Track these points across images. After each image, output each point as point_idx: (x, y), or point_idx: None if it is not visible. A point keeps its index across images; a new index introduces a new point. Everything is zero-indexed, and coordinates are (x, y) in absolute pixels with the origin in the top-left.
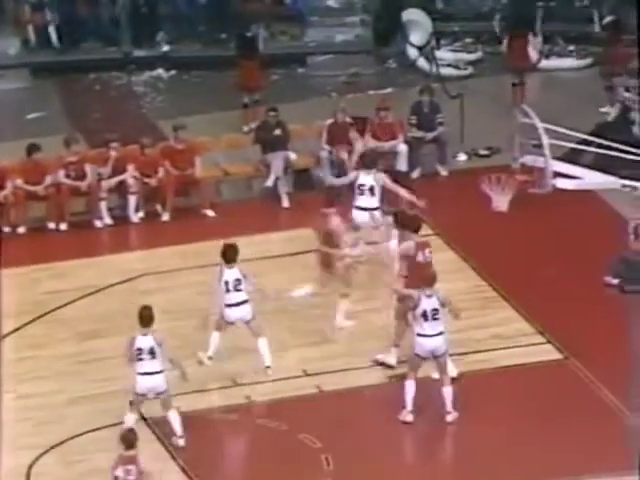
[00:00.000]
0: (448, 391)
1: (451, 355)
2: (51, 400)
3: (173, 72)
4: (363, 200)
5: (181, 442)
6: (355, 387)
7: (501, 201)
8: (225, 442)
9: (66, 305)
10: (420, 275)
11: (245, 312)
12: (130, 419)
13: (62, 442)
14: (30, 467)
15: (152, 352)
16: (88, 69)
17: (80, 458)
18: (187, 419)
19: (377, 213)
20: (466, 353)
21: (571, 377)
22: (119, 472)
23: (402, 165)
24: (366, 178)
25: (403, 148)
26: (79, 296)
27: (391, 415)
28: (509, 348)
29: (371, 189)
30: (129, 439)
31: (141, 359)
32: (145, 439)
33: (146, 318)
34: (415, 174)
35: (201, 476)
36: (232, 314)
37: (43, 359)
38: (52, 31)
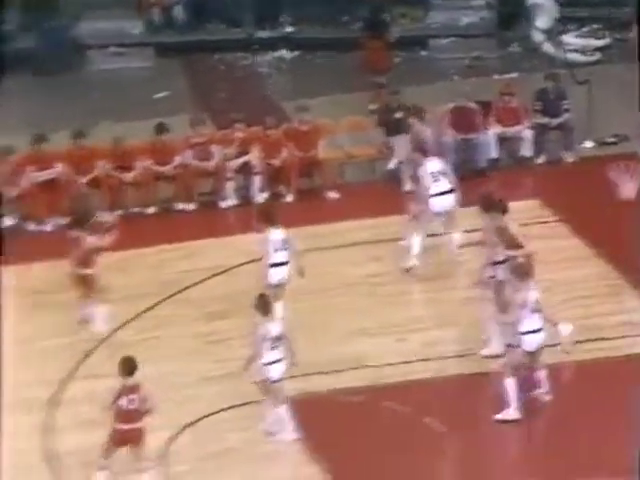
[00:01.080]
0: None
1: (577, 342)
2: (182, 380)
3: (296, 53)
4: (440, 185)
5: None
6: (478, 372)
7: (628, 189)
8: (350, 423)
9: (194, 285)
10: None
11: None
12: (269, 405)
13: (196, 421)
14: (167, 446)
15: (279, 339)
16: (212, 49)
17: (214, 437)
18: (314, 399)
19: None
20: (594, 340)
21: None
22: (123, 402)
23: (527, 151)
24: (434, 164)
25: (528, 134)
26: (206, 276)
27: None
28: (637, 336)
29: (443, 173)
30: (129, 366)
31: (275, 347)
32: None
33: (266, 305)
34: (539, 160)
35: (328, 455)
36: None
37: (172, 339)
38: (178, 12)
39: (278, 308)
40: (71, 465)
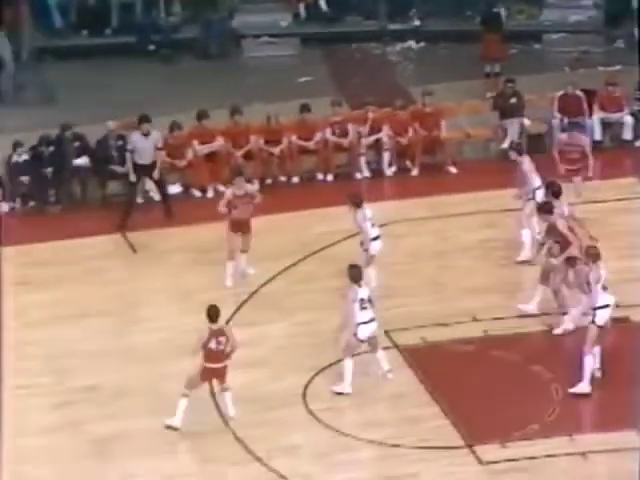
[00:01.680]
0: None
1: None
2: (318, 328)
3: (422, 44)
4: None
5: (390, 375)
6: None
7: None
8: (463, 370)
9: (331, 245)
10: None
11: None
12: (349, 365)
13: (330, 365)
14: (305, 387)
15: (370, 301)
16: (350, 40)
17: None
18: (433, 348)
19: None
20: None
21: None
22: (212, 344)
23: (627, 134)
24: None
25: (628, 119)
26: (342, 238)
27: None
28: None
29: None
30: (213, 313)
31: (364, 308)
32: (399, 365)
33: (356, 275)
34: (638, 143)
35: (446, 397)
36: None
37: (312, 292)
38: (322, 5)
39: (372, 274)
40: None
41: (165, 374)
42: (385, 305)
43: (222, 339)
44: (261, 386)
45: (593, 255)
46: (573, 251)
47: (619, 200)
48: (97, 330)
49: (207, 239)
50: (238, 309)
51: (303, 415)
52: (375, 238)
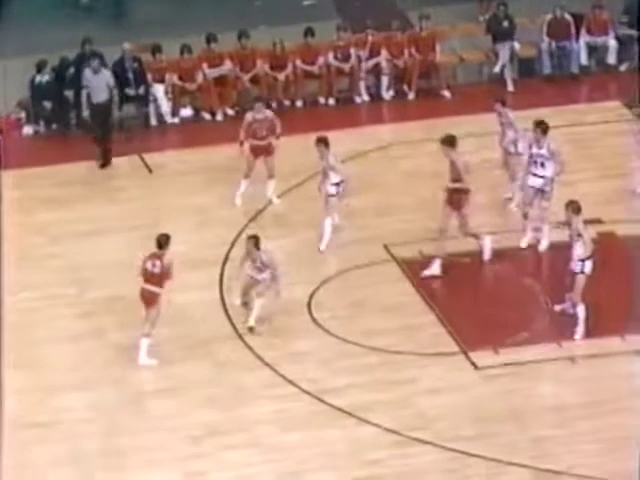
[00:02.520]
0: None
1: None
2: (315, 244)
3: None
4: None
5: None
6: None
7: None
8: (458, 282)
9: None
10: None
11: None
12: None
13: (332, 277)
14: (310, 297)
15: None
16: None
17: (347, 291)
18: (427, 261)
19: None
20: None
21: None
22: (148, 265)
23: (612, 59)
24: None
25: (613, 43)
26: (343, 159)
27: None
28: None
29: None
30: (160, 240)
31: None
32: (397, 277)
33: None
34: (622, 67)
35: (441, 306)
36: None
37: (316, 210)
38: None
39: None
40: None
41: (180, 285)
42: (384, 221)
43: (157, 262)
44: (268, 297)
45: (575, 209)
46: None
47: (604, 123)
48: (116, 245)
49: (217, 161)
50: (246, 226)
51: (308, 323)
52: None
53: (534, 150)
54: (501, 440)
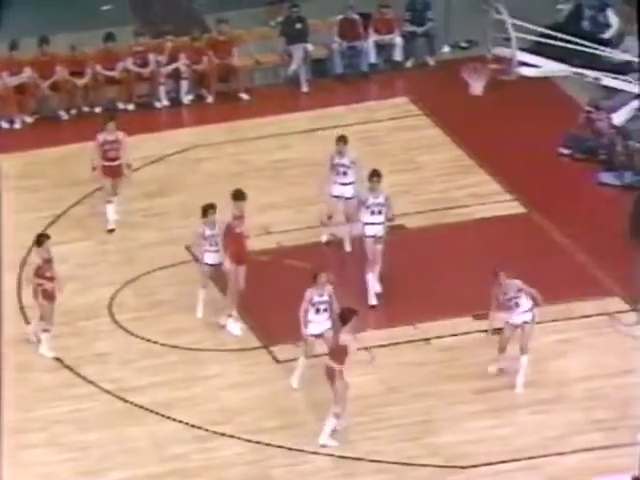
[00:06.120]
0: None
1: (435, 210)
2: (123, 245)
3: None
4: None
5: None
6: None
7: (477, 86)
8: (259, 278)
9: (135, 171)
10: None
11: None
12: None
13: (135, 279)
14: (111, 299)
15: None
16: None
17: (150, 292)
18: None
19: None
20: (449, 208)
21: (533, 226)
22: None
23: (398, 55)
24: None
25: (399, 41)
26: (144, 163)
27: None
28: (483, 204)
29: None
30: (39, 240)
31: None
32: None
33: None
34: (408, 64)
35: (241, 304)
36: None
37: (117, 213)
38: None
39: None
40: None
41: None
42: (187, 222)
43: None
44: (68, 300)
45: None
46: None
47: (392, 119)
48: None
49: (13, 168)
50: (46, 229)
51: (110, 325)
52: None
53: (336, 160)
54: (303, 430)
